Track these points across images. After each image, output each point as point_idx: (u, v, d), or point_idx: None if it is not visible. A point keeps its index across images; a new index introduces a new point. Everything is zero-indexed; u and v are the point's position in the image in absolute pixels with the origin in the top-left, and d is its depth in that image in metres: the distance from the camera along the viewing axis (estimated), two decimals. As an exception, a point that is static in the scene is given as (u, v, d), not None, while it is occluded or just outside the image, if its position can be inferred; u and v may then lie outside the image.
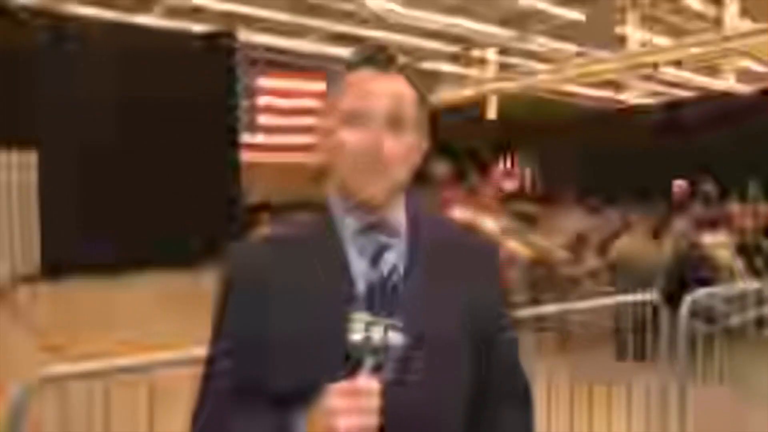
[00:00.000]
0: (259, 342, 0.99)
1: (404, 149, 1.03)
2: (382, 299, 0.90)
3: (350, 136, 1.01)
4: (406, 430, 0.96)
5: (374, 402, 0.87)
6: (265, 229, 1.10)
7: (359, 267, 1.02)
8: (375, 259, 1.01)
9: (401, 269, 1.02)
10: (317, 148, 1.11)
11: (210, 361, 1.05)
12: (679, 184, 14.53)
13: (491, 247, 1.23)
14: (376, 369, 0.88)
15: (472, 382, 1.08)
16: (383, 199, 1.03)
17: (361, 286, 0.99)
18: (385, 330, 0.88)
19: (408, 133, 1.04)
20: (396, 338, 0.89)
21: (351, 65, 1.05)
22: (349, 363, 0.88)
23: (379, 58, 1.04)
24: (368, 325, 0.88)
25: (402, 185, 1.06)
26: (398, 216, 1.07)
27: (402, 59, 1.07)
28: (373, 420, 0.87)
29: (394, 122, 1.02)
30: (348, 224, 1.05)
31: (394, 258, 1.02)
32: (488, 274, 1.15)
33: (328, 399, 0.87)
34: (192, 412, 1.04)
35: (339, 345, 0.89)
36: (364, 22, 14.13)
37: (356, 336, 0.88)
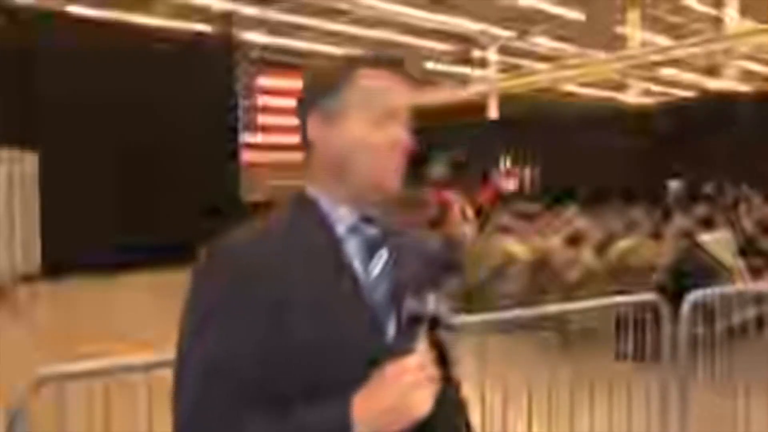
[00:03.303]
0: (262, 347, 0.95)
1: (409, 145, 1.08)
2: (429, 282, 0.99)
3: (379, 135, 1.04)
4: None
5: (434, 371, 0.93)
6: (250, 227, 1.06)
7: (356, 260, 1.03)
8: (371, 252, 1.05)
9: (391, 261, 1.06)
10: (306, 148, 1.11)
11: (214, 362, 0.96)
12: (679, 184, 14.53)
13: (432, 249, 1.31)
14: (428, 341, 0.95)
15: None
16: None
17: (362, 279, 1.02)
18: (445, 306, 0.97)
19: (404, 128, 1.08)
20: (450, 314, 0.98)
21: (364, 65, 1.07)
22: (413, 333, 0.95)
23: (388, 59, 1.08)
24: (437, 300, 0.96)
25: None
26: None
27: (403, 59, 1.09)
28: (434, 389, 0.93)
29: (406, 123, 1.08)
30: (341, 219, 1.05)
31: (386, 251, 1.06)
32: (435, 275, 1.17)
33: (400, 374, 0.91)
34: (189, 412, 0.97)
35: (359, 335, 0.97)
36: (365, 22, 14.14)
37: (430, 308, 0.96)
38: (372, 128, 1.04)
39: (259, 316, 0.96)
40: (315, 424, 0.91)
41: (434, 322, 0.95)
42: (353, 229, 1.05)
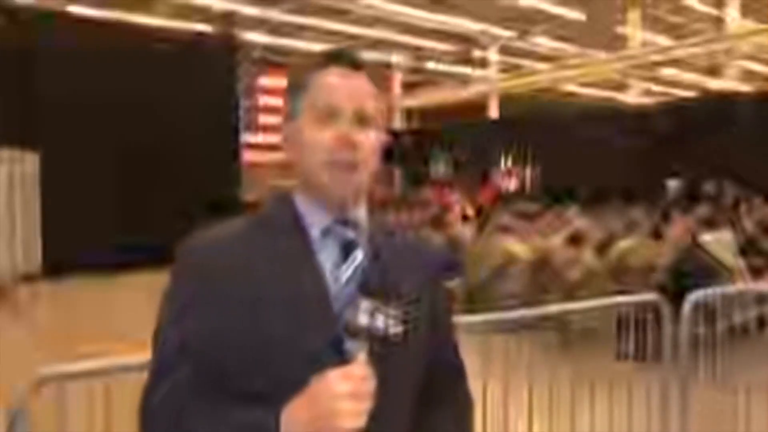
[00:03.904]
0: (229, 340, 0.96)
1: (373, 145, 1.04)
2: (382, 289, 0.93)
3: (323, 134, 1.01)
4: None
5: (372, 387, 0.89)
6: (223, 226, 1.06)
7: (328, 262, 1.02)
8: (345, 255, 1.02)
9: (365, 264, 1.03)
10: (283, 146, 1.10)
11: (190, 342, 0.98)
12: (678, 184, 14.53)
13: (431, 249, 1.30)
14: (369, 355, 0.90)
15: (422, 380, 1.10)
16: (356, 195, 1.05)
17: (331, 282, 1.00)
18: (386, 318, 0.91)
19: (372, 129, 1.04)
20: (395, 328, 0.92)
21: (319, 64, 1.05)
22: (350, 347, 0.91)
23: (345, 57, 1.05)
24: (373, 312, 0.91)
25: (368, 181, 1.06)
26: (361, 212, 1.08)
27: (364, 57, 1.07)
28: (368, 405, 0.88)
29: (361, 120, 1.02)
30: (316, 221, 1.04)
31: (362, 254, 1.03)
32: (434, 275, 1.17)
33: (332, 383, 0.87)
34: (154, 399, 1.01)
35: (315, 339, 0.94)
36: (365, 22, 14.14)
37: (362, 321, 0.90)
38: (317, 127, 1.01)
39: (230, 311, 0.97)
40: (243, 423, 0.91)
41: (370, 334, 0.90)
42: (327, 231, 1.03)
